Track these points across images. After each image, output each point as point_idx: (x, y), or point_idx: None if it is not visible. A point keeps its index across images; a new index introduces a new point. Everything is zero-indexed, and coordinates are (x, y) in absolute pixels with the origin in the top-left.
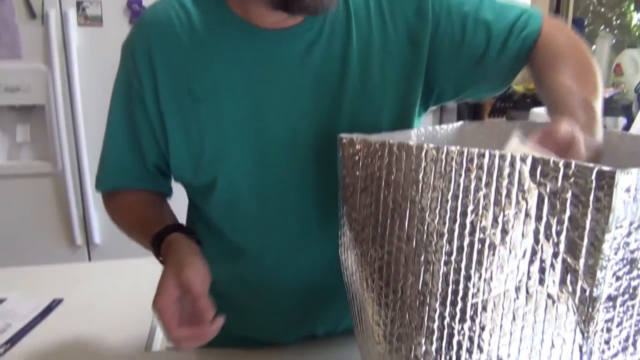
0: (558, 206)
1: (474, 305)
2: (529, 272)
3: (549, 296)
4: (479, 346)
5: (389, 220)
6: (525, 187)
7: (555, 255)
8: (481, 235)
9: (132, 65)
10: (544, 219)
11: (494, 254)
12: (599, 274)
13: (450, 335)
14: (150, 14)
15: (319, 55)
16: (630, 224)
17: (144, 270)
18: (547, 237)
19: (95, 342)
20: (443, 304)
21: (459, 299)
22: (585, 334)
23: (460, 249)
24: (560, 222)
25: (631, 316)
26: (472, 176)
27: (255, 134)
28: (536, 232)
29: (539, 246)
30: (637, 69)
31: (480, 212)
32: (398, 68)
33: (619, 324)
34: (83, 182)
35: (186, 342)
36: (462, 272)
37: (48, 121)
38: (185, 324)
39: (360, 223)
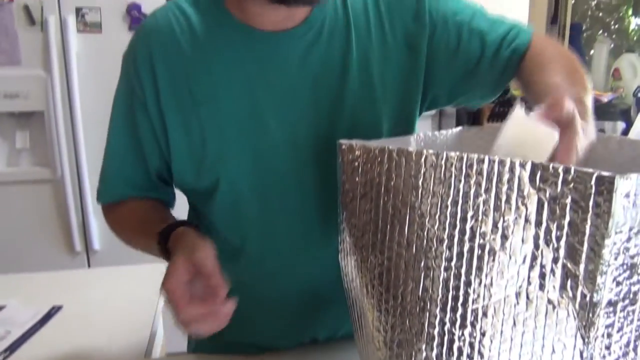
0: (558, 211)
1: (475, 311)
2: (529, 277)
3: (550, 302)
4: (479, 352)
5: (388, 226)
6: (525, 193)
7: (555, 260)
8: (481, 241)
9: (134, 72)
10: (544, 225)
11: (494, 260)
12: (599, 280)
13: (451, 341)
14: (151, 22)
15: (318, 58)
16: (630, 229)
17: (144, 277)
18: (547, 242)
19: (94, 349)
20: (443, 309)
21: (459, 304)
22: (586, 340)
23: (460, 254)
24: (560, 228)
25: (632, 321)
26: (472, 182)
27: (256, 135)
28: (536, 238)
29: (539, 252)
30: (635, 74)
31: (480, 218)
32: (397, 72)
33: (620, 329)
34: (82, 189)
35: (197, 324)
36: (462, 278)
37: (47, 127)
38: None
39: (360, 229)
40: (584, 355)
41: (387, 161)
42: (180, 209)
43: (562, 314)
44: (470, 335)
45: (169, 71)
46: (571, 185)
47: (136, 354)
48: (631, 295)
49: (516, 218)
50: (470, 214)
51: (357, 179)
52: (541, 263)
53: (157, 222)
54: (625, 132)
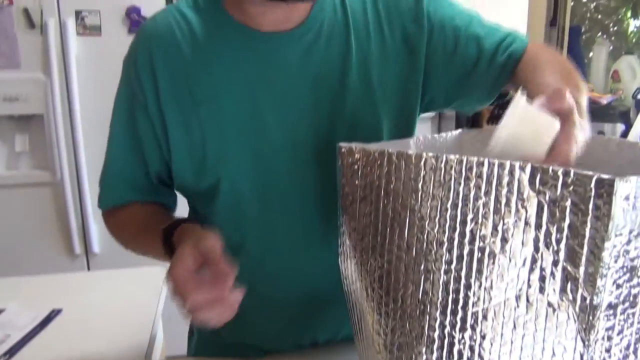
0: (557, 214)
1: (475, 314)
2: (529, 280)
3: (550, 304)
4: (479, 355)
5: (388, 229)
6: (525, 196)
7: (555, 263)
8: (481, 244)
9: (135, 75)
10: (544, 227)
11: (494, 263)
12: (599, 282)
13: (451, 344)
14: (151, 25)
15: (317, 59)
16: (630, 232)
17: (144, 280)
18: (547, 245)
19: (94, 352)
20: (443, 312)
21: (459, 307)
22: (586, 342)
23: (460, 257)
24: (560, 230)
25: (632, 324)
26: (472, 185)
27: (256, 135)
28: (536, 241)
29: (539, 254)
30: (634, 76)
31: (480, 221)
32: (396, 73)
33: (620, 332)
34: (82, 192)
35: (205, 312)
36: (463, 281)
37: (47, 130)
38: None
39: (360, 232)
40: (585, 358)
41: (386, 164)
42: (181, 211)
43: (562, 316)
44: (471, 338)
45: (169, 72)
46: (571, 188)
47: (136, 357)
48: (631, 298)
49: (516, 221)
50: (470, 216)
51: (356, 182)
52: (541, 266)
53: (160, 223)
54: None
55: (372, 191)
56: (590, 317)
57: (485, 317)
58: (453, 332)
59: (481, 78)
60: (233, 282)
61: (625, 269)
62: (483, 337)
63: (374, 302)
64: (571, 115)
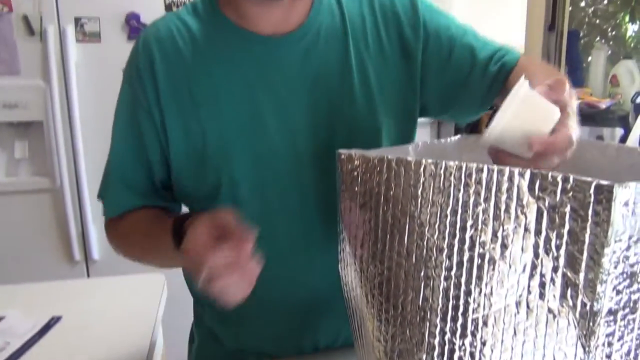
0: (557, 220)
1: (475, 321)
2: (529, 286)
3: (550, 311)
4: None
5: (388, 236)
6: (524, 202)
7: (555, 269)
8: (481, 250)
9: (137, 78)
10: (544, 233)
11: (493, 269)
12: (599, 288)
13: (452, 351)
14: (151, 30)
15: (316, 61)
16: (630, 238)
17: (143, 287)
18: (547, 251)
19: None
20: (444, 319)
21: (459, 314)
22: (587, 349)
23: (460, 264)
24: (559, 236)
25: (632, 330)
26: (471, 191)
27: (256, 137)
28: (536, 247)
29: (539, 260)
30: (633, 80)
31: (479, 227)
32: (394, 77)
33: (620, 338)
34: (82, 198)
35: (223, 278)
36: (462, 287)
37: (46, 137)
38: None
39: (360, 239)
40: None
41: (386, 171)
42: None
43: (563, 323)
44: (471, 344)
45: (170, 75)
46: (570, 194)
47: None
48: (631, 304)
49: (516, 227)
50: (469, 223)
51: (356, 189)
52: (541, 272)
53: (167, 222)
54: (624, 138)
55: (371, 198)
56: (591, 323)
57: (485, 324)
58: (453, 339)
59: (474, 88)
60: (251, 248)
61: (625, 275)
62: (483, 344)
63: (374, 309)
64: (569, 107)
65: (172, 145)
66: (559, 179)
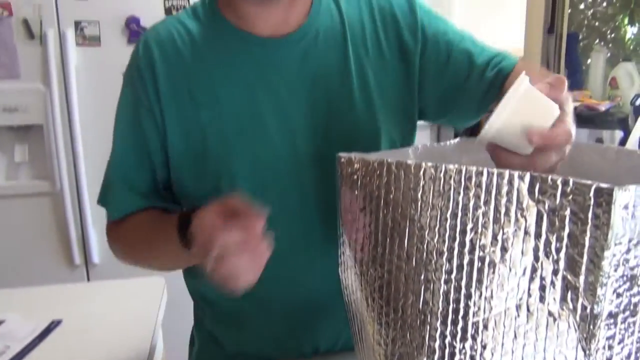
0: (557, 223)
1: (475, 324)
2: (529, 289)
3: (550, 314)
4: None
5: (388, 240)
6: (524, 205)
7: (555, 272)
8: (481, 254)
9: (139, 78)
10: (543, 237)
11: (494, 272)
12: (599, 291)
13: (452, 355)
14: (152, 33)
15: (315, 62)
16: (630, 241)
17: (143, 290)
18: (547, 254)
19: None
20: (444, 322)
21: (459, 317)
22: (587, 352)
23: (460, 267)
24: (559, 240)
25: (632, 333)
26: (471, 194)
27: (256, 138)
28: (536, 250)
29: (539, 264)
30: (632, 82)
31: (479, 230)
32: (393, 80)
33: (621, 341)
34: (82, 202)
35: (233, 258)
36: (463, 291)
37: (46, 141)
38: None
39: (360, 242)
40: None
41: (386, 174)
42: None
43: (563, 326)
44: (471, 348)
45: (171, 77)
46: (570, 197)
47: None
48: (632, 307)
49: (516, 230)
50: (469, 226)
51: (356, 192)
52: (541, 275)
53: (172, 217)
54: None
55: (371, 201)
56: (591, 326)
57: (485, 327)
58: (454, 342)
59: (471, 92)
60: (261, 228)
61: (625, 278)
62: (484, 347)
63: (375, 312)
64: (566, 106)
65: (172, 146)
66: (559, 182)
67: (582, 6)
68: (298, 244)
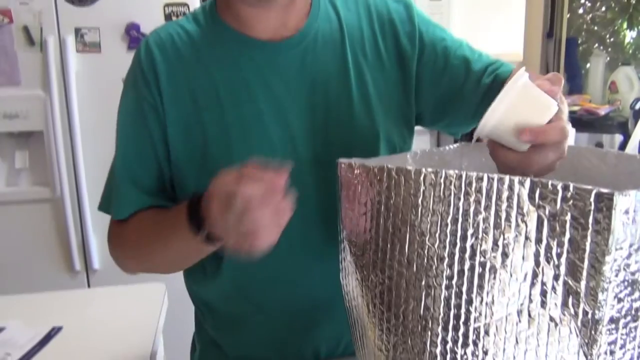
0: (558, 229)
1: (477, 330)
2: (530, 295)
3: (552, 319)
4: None
5: (389, 245)
6: (525, 210)
7: (556, 277)
8: (482, 259)
9: (142, 78)
10: (544, 242)
11: (494, 278)
12: (600, 296)
13: None
14: (153, 36)
15: (314, 66)
16: (630, 246)
17: (144, 296)
18: (548, 259)
19: None
20: (445, 328)
21: (461, 323)
22: (589, 357)
23: (461, 272)
24: (560, 245)
25: (634, 338)
26: (471, 200)
27: (257, 140)
28: (536, 255)
29: (540, 269)
30: (631, 86)
31: (480, 236)
32: (391, 84)
33: (622, 346)
34: (82, 208)
35: (257, 209)
36: (464, 296)
37: (47, 147)
38: None
39: (361, 248)
40: None
41: (386, 180)
42: None
43: (565, 331)
44: (473, 354)
45: (172, 78)
46: (570, 202)
47: None
48: (633, 312)
49: (516, 235)
50: (470, 231)
51: (356, 198)
52: (542, 280)
53: (179, 207)
54: (623, 144)
55: (372, 207)
56: (593, 332)
57: (487, 333)
58: (455, 348)
59: (468, 99)
60: (283, 183)
61: (626, 283)
62: (485, 353)
63: (376, 318)
64: (561, 104)
65: (173, 145)
66: (559, 187)
67: (580, 10)
68: (298, 247)
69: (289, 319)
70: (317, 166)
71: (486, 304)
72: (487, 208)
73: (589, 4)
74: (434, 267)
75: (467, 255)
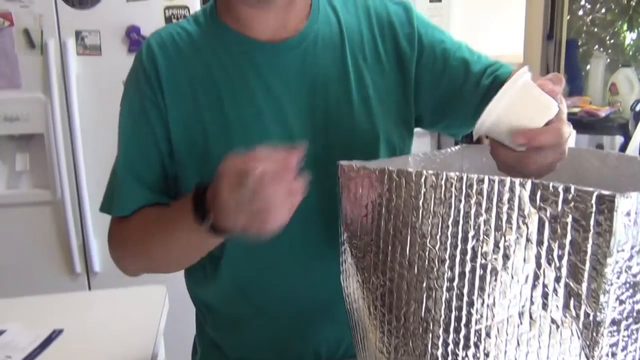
0: (559, 230)
1: (478, 332)
2: (531, 297)
3: (553, 321)
4: None
5: (389, 247)
6: (526, 212)
7: (557, 279)
8: (483, 261)
9: (143, 75)
10: (545, 244)
11: (496, 280)
12: (602, 298)
13: None
14: (154, 37)
15: (314, 68)
16: (632, 248)
17: (145, 299)
18: (549, 261)
19: None
20: (446, 330)
21: (462, 325)
22: (591, 359)
23: (462, 274)
24: (561, 247)
25: (636, 340)
26: (472, 202)
27: (259, 139)
28: (538, 257)
29: (541, 271)
30: (632, 88)
31: (481, 238)
32: (391, 86)
33: (624, 348)
34: (82, 210)
35: (270, 186)
36: (465, 298)
37: (47, 150)
38: None
39: (362, 250)
40: None
41: (387, 182)
42: None
43: (566, 333)
44: (474, 356)
45: (173, 76)
46: (572, 204)
47: None
48: (635, 314)
49: (517, 237)
50: (471, 234)
51: (357, 200)
52: (543, 282)
53: (182, 199)
54: (624, 146)
55: (373, 209)
56: (594, 334)
57: (488, 335)
58: (456, 350)
59: (467, 100)
60: (295, 161)
61: (627, 285)
62: (487, 355)
63: (377, 321)
64: (562, 104)
65: (175, 143)
66: (560, 189)
67: (580, 12)
68: (298, 248)
69: (289, 321)
70: (317, 167)
71: (487, 306)
72: (488, 210)
73: (588, 6)
74: (435, 269)
75: (468, 257)
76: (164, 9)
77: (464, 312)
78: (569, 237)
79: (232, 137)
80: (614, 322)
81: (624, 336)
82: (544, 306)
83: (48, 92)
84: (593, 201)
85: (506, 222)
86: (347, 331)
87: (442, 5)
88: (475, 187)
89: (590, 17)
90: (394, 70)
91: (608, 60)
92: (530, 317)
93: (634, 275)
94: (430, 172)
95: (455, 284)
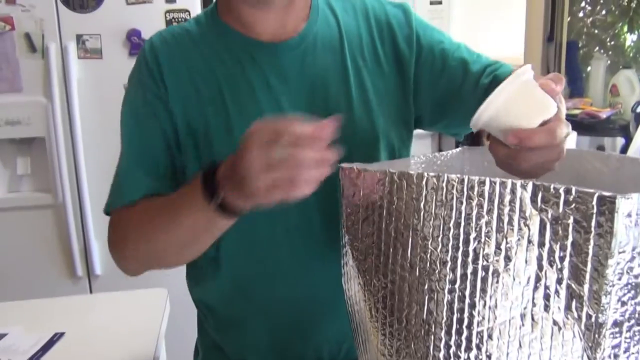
0: (560, 232)
1: (480, 334)
2: (533, 298)
3: (555, 323)
4: None
5: (391, 249)
6: (527, 214)
7: (559, 281)
8: (484, 263)
9: (146, 71)
10: (547, 245)
11: (497, 281)
12: (603, 300)
13: None
14: (156, 37)
15: (314, 69)
16: (633, 249)
17: (146, 301)
18: (551, 263)
19: None
20: (448, 332)
21: (464, 327)
22: None
23: (463, 276)
24: (563, 248)
25: (638, 341)
26: (474, 204)
27: None
28: (539, 259)
29: (543, 272)
30: (632, 89)
31: (482, 240)
32: (390, 87)
33: (626, 350)
34: (84, 214)
35: (304, 150)
36: (467, 300)
37: (48, 153)
38: None
39: (363, 252)
40: None
41: (388, 184)
42: None
43: (568, 335)
44: (476, 358)
45: (176, 72)
46: (573, 205)
47: None
48: (637, 315)
49: (519, 239)
50: (472, 235)
51: (358, 202)
52: (545, 284)
53: (190, 182)
54: (625, 147)
55: (374, 211)
56: (596, 335)
57: (490, 337)
58: (459, 352)
59: (466, 99)
60: (329, 133)
61: (629, 286)
62: (489, 357)
63: (379, 323)
64: (561, 104)
65: (180, 134)
66: (561, 190)
67: (581, 14)
68: (299, 248)
69: (290, 322)
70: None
71: (489, 307)
72: (490, 212)
73: (589, 8)
74: (436, 271)
75: (469, 259)
76: (165, 13)
77: (466, 314)
78: (570, 239)
79: (234, 130)
80: (616, 324)
81: (626, 338)
82: (546, 308)
83: (49, 95)
84: (594, 202)
85: (507, 224)
86: (349, 333)
87: (442, 7)
88: (476, 189)
89: (591, 18)
90: (393, 72)
91: (609, 61)
92: (532, 319)
93: (636, 277)
94: (432, 174)
95: (456, 286)
